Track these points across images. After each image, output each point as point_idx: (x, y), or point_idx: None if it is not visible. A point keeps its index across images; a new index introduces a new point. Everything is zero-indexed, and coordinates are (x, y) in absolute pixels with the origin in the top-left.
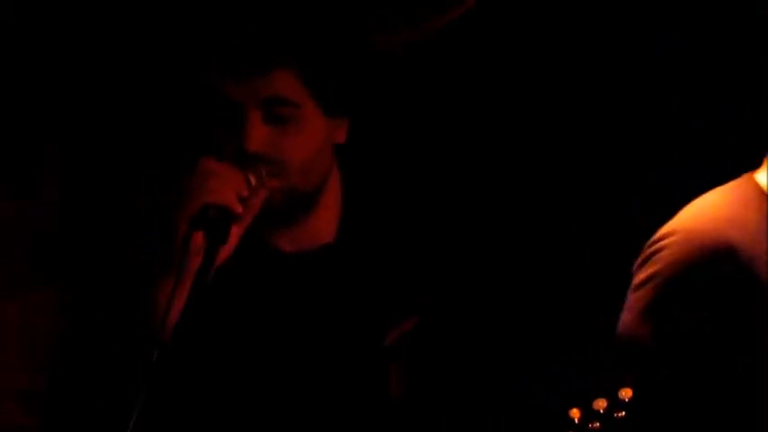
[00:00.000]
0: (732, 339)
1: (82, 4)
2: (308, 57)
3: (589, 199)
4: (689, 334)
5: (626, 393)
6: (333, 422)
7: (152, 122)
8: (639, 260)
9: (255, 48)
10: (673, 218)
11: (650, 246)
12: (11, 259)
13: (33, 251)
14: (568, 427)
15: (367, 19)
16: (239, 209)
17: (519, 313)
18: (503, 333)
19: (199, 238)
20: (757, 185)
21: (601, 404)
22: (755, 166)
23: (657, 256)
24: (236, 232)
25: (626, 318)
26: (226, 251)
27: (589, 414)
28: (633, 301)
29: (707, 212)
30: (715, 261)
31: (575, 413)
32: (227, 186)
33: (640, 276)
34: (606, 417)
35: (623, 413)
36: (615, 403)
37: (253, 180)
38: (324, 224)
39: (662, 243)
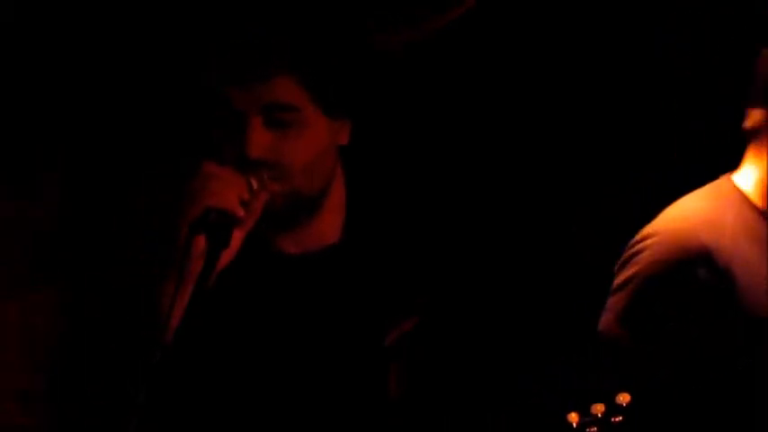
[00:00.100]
0: (710, 340)
1: (82, 4)
2: (308, 60)
3: (589, 199)
4: (668, 335)
5: (623, 398)
6: (333, 422)
7: (152, 123)
8: (620, 262)
9: (255, 54)
10: (653, 220)
11: (630, 248)
12: (11, 259)
13: (33, 251)
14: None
15: (367, 19)
16: (241, 212)
17: (519, 313)
18: (503, 333)
19: (201, 242)
20: (735, 187)
21: (598, 408)
22: (734, 167)
23: (637, 257)
24: (238, 236)
25: (606, 318)
26: (228, 255)
27: (587, 418)
28: (613, 302)
29: (685, 215)
30: (692, 262)
31: (573, 417)
32: (228, 190)
33: (620, 278)
34: (604, 421)
35: (620, 418)
36: (613, 408)
37: (254, 184)
38: (328, 226)
39: (641, 245)
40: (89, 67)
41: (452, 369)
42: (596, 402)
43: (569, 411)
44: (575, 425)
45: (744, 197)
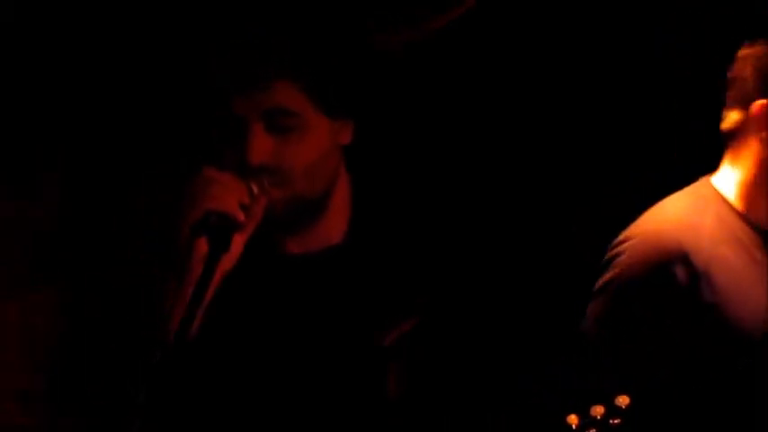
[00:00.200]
0: (690, 341)
1: (82, 4)
2: (308, 62)
3: (589, 199)
4: (648, 336)
5: (623, 400)
6: (332, 421)
7: (152, 123)
8: (601, 265)
9: (255, 57)
10: (632, 223)
11: (609, 251)
12: (11, 259)
13: (33, 251)
14: None
15: (367, 19)
16: (241, 216)
17: (519, 313)
18: (502, 333)
19: (202, 246)
20: (714, 189)
21: (598, 410)
22: (713, 169)
23: (615, 261)
24: (239, 240)
25: (587, 321)
26: (229, 260)
27: (586, 420)
28: (594, 305)
29: (662, 217)
30: (670, 264)
31: (572, 419)
32: (228, 194)
33: (600, 281)
34: (603, 423)
35: (618, 420)
36: (612, 410)
37: (255, 189)
38: (332, 226)
39: (620, 248)
40: (89, 67)
41: (452, 369)
42: (595, 404)
43: (569, 412)
44: (574, 427)
45: (722, 199)
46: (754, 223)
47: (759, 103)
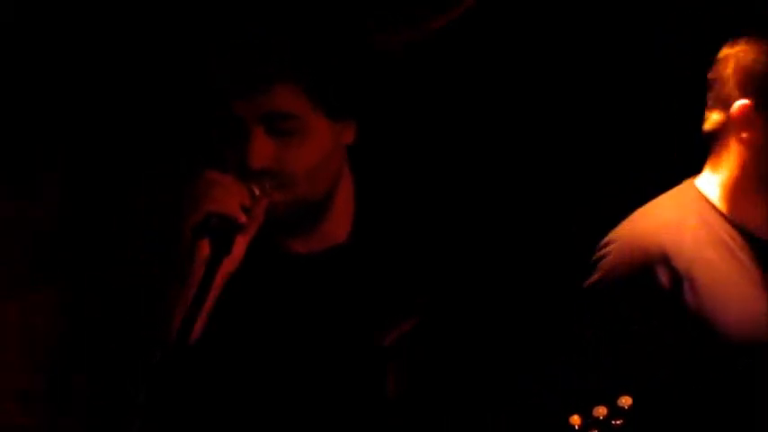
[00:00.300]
0: (674, 341)
1: (82, 4)
2: (308, 63)
3: (589, 199)
4: (631, 338)
5: (625, 401)
6: (332, 421)
7: (152, 123)
8: (588, 266)
9: (255, 59)
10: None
11: (595, 253)
12: (11, 259)
13: (33, 251)
14: None
15: (367, 19)
16: (243, 218)
17: (519, 313)
18: (502, 333)
19: (205, 248)
20: (697, 191)
21: (601, 411)
22: (697, 171)
23: (599, 264)
24: (241, 242)
25: (575, 324)
26: (232, 262)
27: (589, 421)
28: (579, 306)
29: (645, 220)
30: (651, 265)
31: (575, 420)
32: (229, 196)
33: (586, 283)
34: (605, 424)
35: (620, 421)
36: (615, 410)
37: (256, 191)
38: (336, 226)
39: (604, 251)
40: (89, 68)
41: (452, 369)
42: (597, 403)
43: (569, 412)
44: (577, 427)
45: (705, 201)
46: (738, 225)
47: (739, 103)
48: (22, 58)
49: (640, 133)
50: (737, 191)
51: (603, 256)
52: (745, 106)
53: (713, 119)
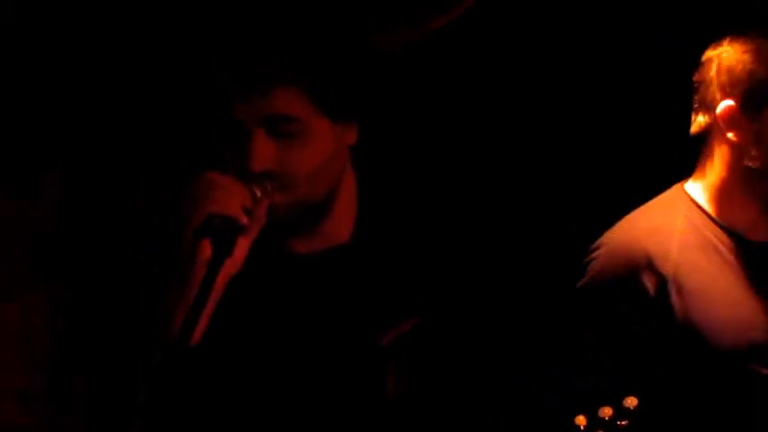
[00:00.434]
0: (663, 342)
1: (82, 4)
2: (309, 67)
3: (589, 199)
4: (619, 341)
5: (631, 402)
6: (331, 421)
7: (152, 123)
8: (581, 269)
9: (255, 60)
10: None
11: (586, 255)
12: (11, 259)
13: (33, 251)
14: None
15: (367, 19)
16: (244, 219)
17: (519, 313)
18: (503, 333)
19: (206, 249)
20: (686, 194)
21: (606, 412)
22: (687, 175)
23: (587, 268)
24: (242, 244)
25: (569, 325)
26: (234, 263)
27: (594, 421)
28: (572, 310)
29: (631, 224)
30: (636, 271)
31: (580, 420)
32: (231, 198)
33: (576, 287)
34: (610, 424)
35: (626, 422)
36: (620, 411)
37: (258, 192)
38: (339, 226)
39: (591, 256)
40: (89, 68)
41: (452, 369)
42: (596, 403)
43: (569, 412)
44: (582, 427)
45: (693, 204)
46: (726, 227)
47: (724, 104)
48: (22, 58)
49: (640, 133)
50: (725, 193)
51: (592, 260)
52: (729, 107)
53: (699, 121)
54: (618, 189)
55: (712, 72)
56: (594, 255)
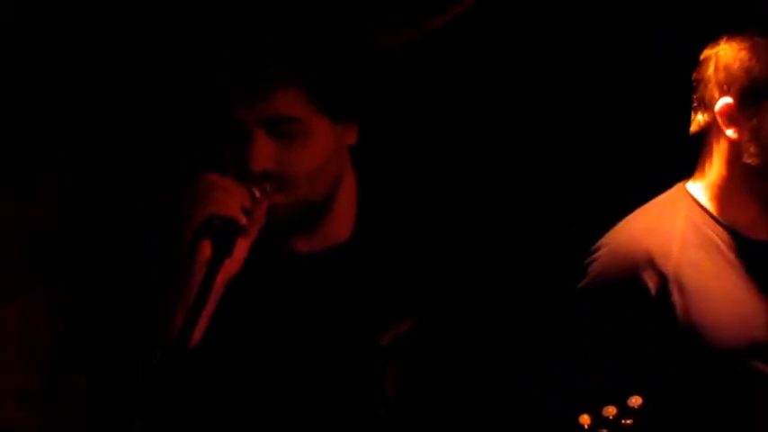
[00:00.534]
0: (666, 341)
1: (82, 4)
2: (309, 67)
3: (589, 199)
4: (620, 341)
5: (635, 401)
6: (332, 421)
7: (152, 123)
8: (581, 270)
9: (255, 60)
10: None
11: (587, 257)
12: (11, 259)
13: (33, 251)
14: None
15: (367, 19)
16: (244, 220)
17: (519, 313)
18: (502, 333)
19: (206, 250)
20: (687, 193)
21: (610, 411)
22: (687, 175)
23: (588, 269)
24: (242, 244)
25: (569, 326)
26: (234, 264)
27: (598, 420)
28: (570, 310)
29: (632, 225)
30: (637, 271)
31: (584, 419)
32: (231, 198)
33: (576, 289)
34: (614, 424)
35: (630, 421)
36: (624, 410)
37: (257, 193)
38: (339, 225)
39: (592, 257)
40: (89, 67)
41: (452, 369)
42: (598, 404)
43: (570, 412)
44: (586, 427)
45: (694, 203)
46: (727, 225)
47: (722, 102)
48: (22, 58)
49: (640, 133)
50: (725, 191)
51: (593, 261)
52: (727, 105)
53: (698, 120)
54: (618, 189)
55: (710, 70)
56: (595, 256)
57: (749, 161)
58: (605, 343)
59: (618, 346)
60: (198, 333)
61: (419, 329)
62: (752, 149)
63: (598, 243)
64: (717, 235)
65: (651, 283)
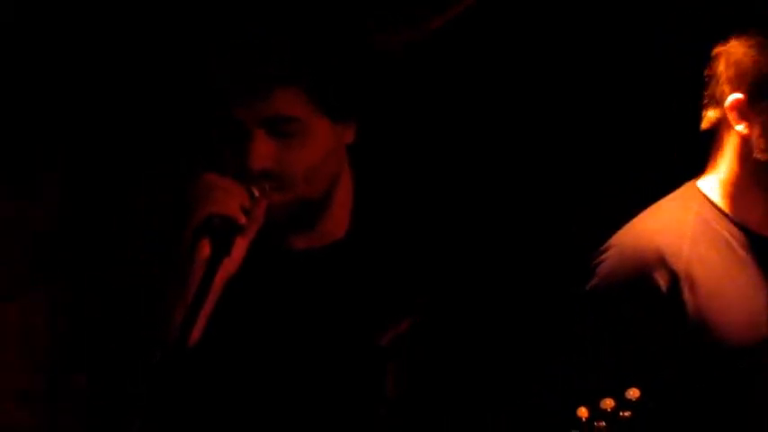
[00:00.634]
0: (676, 340)
1: (82, 4)
2: (309, 67)
3: (589, 199)
4: (631, 341)
5: (633, 393)
6: (332, 421)
7: (152, 123)
8: (589, 271)
9: (255, 60)
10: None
11: (594, 258)
12: (11, 259)
13: (33, 251)
14: (575, 426)
15: (367, 19)
16: (243, 219)
17: (519, 313)
18: (503, 333)
19: (205, 249)
20: (699, 191)
21: (608, 403)
22: (700, 171)
23: (596, 270)
24: (241, 244)
25: (577, 327)
26: (233, 263)
27: (596, 413)
28: (578, 311)
29: (643, 224)
30: (648, 270)
31: (582, 412)
32: (230, 197)
33: (584, 289)
34: (612, 416)
35: (629, 413)
36: (622, 403)
37: (256, 192)
38: (335, 222)
39: (600, 258)
40: (89, 68)
41: (452, 369)
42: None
43: (569, 412)
44: (584, 419)
45: (706, 200)
46: (739, 222)
47: (732, 97)
48: (22, 58)
49: (640, 133)
50: (737, 188)
51: (602, 261)
52: (738, 100)
53: (709, 117)
54: (618, 189)
55: (721, 67)
56: (604, 256)
57: (759, 156)
58: (615, 343)
59: (627, 346)
60: (197, 332)
61: (419, 329)
62: (762, 145)
63: (606, 243)
64: (728, 232)
65: (662, 281)
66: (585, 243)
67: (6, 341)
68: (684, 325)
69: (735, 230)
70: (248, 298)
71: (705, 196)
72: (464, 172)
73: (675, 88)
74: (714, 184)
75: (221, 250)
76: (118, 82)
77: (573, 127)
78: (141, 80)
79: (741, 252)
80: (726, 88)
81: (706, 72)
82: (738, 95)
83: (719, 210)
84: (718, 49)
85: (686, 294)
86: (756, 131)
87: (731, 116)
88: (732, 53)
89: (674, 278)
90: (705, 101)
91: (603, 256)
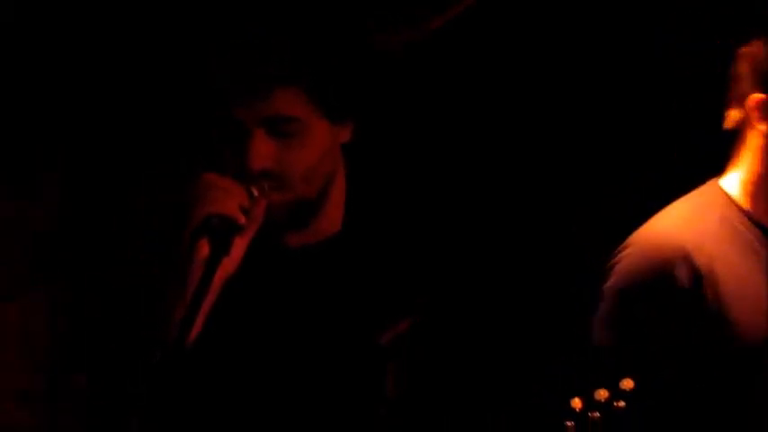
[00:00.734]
0: (697, 338)
1: (82, 4)
2: (309, 67)
3: (589, 199)
4: (651, 339)
5: (627, 384)
6: (331, 421)
7: (152, 123)
8: (606, 270)
9: (255, 60)
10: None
11: (612, 257)
12: (11, 259)
13: (33, 251)
14: (569, 416)
15: (367, 19)
16: (242, 219)
17: (519, 313)
18: (502, 333)
19: (204, 249)
20: (720, 189)
21: (602, 394)
22: (713, 168)
23: (615, 268)
24: (240, 243)
25: (594, 325)
26: (231, 263)
27: (590, 403)
28: (600, 310)
29: (665, 221)
30: (671, 266)
31: (576, 403)
32: (229, 197)
33: (603, 287)
34: (606, 406)
35: (623, 403)
36: (616, 394)
37: (255, 192)
38: (329, 220)
39: (619, 256)
40: (89, 68)
41: (452, 369)
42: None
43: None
44: (578, 410)
45: (728, 198)
46: (760, 221)
47: (754, 97)
48: (22, 58)
49: (640, 133)
50: (758, 186)
51: (617, 263)
52: (759, 100)
53: (732, 116)
54: (618, 189)
55: (743, 67)
56: (623, 254)
57: None
58: (634, 340)
59: (647, 342)
60: (195, 332)
61: (419, 329)
62: None
63: (624, 243)
64: (750, 231)
65: (685, 277)
66: (585, 243)
67: (6, 341)
68: (705, 322)
69: (755, 229)
70: (246, 297)
71: (727, 195)
72: (464, 171)
73: (675, 88)
74: (736, 182)
75: (220, 250)
76: (118, 82)
77: (572, 127)
78: (141, 80)
79: (761, 251)
80: (748, 88)
81: (731, 72)
82: (760, 95)
83: (741, 209)
84: (743, 50)
85: (708, 291)
86: None
87: (753, 116)
88: (754, 54)
89: (696, 275)
90: (729, 101)
91: (622, 255)
